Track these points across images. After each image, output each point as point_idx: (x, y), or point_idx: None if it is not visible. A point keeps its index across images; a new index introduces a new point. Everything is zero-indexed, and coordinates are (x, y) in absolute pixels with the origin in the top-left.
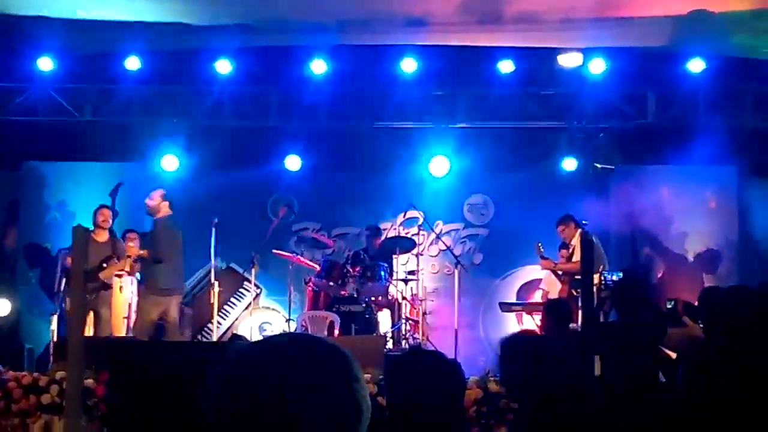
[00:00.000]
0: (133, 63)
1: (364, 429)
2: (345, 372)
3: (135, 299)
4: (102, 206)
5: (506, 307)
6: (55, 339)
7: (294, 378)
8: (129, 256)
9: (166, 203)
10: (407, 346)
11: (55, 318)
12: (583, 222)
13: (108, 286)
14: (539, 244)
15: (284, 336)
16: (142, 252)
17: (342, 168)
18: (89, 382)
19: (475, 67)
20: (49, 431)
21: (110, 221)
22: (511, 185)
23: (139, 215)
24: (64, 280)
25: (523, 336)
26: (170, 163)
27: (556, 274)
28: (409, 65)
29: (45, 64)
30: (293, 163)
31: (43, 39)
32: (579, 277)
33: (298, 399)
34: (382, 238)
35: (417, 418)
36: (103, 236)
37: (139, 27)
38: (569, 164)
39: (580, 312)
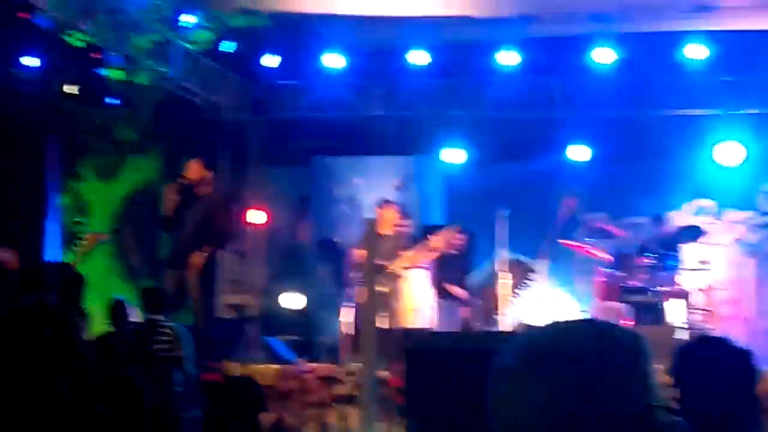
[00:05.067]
0: (419, 57)
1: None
2: (644, 362)
3: (428, 290)
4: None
5: None
6: (345, 331)
7: (590, 362)
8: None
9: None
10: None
11: (346, 310)
12: None
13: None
14: None
15: (580, 321)
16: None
17: (629, 157)
18: (384, 373)
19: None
20: (344, 422)
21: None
22: None
23: (425, 209)
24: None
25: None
26: (456, 155)
27: None
28: (697, 51)
29: (332, 60)
30: (580, 153)
31: (330, 36)
32: None
33: (592, 385)
34: (669, 227)
35: (707, 408)
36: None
37: (424, 21)
38: None
39: None
